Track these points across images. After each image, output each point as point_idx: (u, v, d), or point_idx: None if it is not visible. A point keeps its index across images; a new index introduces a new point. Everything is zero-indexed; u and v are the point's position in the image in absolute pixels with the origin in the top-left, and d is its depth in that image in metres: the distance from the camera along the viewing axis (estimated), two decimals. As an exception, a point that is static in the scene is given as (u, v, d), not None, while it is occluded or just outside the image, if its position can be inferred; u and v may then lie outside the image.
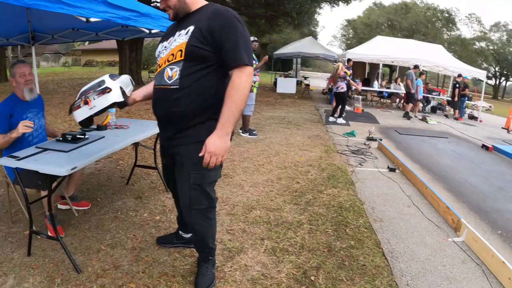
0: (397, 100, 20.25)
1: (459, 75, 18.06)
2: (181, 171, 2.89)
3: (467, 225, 4.64)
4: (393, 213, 5.36)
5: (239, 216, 4.80)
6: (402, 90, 19.07)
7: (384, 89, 19.88)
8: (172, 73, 2.67)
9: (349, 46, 54.77)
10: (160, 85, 2.77)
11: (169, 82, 2.68)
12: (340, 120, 12.59)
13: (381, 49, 18.76)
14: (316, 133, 10.59)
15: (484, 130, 15.69)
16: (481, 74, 19.59)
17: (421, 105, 18.69)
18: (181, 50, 2.61)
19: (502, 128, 17.48)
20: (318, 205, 5.38)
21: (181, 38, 2.65)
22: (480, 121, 18.92)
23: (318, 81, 36.75)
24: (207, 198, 2.92)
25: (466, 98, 19.24)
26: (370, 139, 10.14)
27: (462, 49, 53.59)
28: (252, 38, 9.26)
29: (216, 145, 2.51)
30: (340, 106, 12.75)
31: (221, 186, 5.84)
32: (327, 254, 4.04)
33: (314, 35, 59.98)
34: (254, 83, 9.20)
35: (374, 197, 5.91)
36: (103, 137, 4.21)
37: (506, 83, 72.83)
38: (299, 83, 25.42)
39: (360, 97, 17.39)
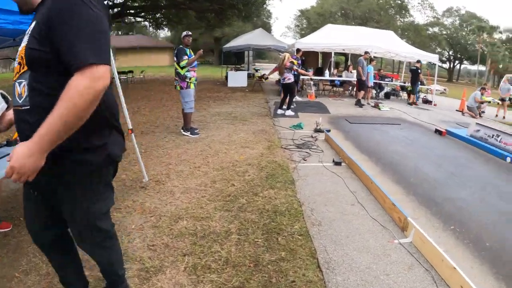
0: (350, 88, 19.96)
1: (418, 61, 17.96)
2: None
3: (414, 224, 4.10)
4: (335, 213, 4.78)
5: (164, 228, 4.25)
6: (354, 78, 18.64)
7: (336, 78, 19.42)
8: (21, 90, 1.97)
9: (302, 36, 54.16)
10: (14, 106, 2.06)
11: (20, 101, 1.98)
12: (289, 112, 12.02)
13: (331, 37, 18.31)
14: (262, 127, 9.98)
15: (439, 113, 15.51)
16: (433, 58, 19.48)
17: (374, 91, 18.41)
18: (22, 57, 1.93)
19: (457, 110, 17.55)
20: (251, 210, 4.77)
21: (24, 40, 1.95)
22: (435, 104, 18.84)
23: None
24: (98, 231, 2.40)
25: (419, 83, 18.99)
26: (317, 130, 9.64)
27: (415, 35, 54.22)
28: (184, 33, 8.58)
29: (22, 162, 1.75)
30: (288, 98, 12.15)
31: (150, 195, 5.23)
32: (253, 269, 3.48)
33: (267, 27, 59.70)
34: (190, 79, 8.56)
35: (315, 197, 5.32)
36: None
37: (460, 66, 74.51)
38: (251, 76, 24.82)
39: (312, 82, 16.94)
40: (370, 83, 16.11)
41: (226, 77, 22.40)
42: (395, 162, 7.39)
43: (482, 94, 15.85)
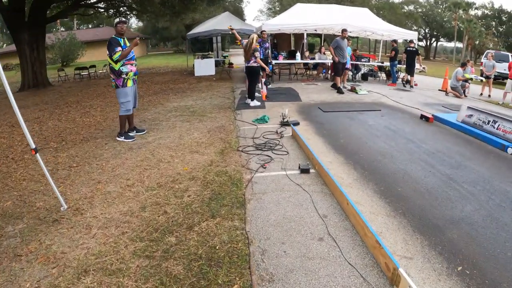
0: (324, 70, 18.50)
1: (395, 40, 17.14)
2: None
3: (408, 281, 2.72)
4: (294, 258, 3.39)
5: (62, 288, 2.86)
6: (327, 60, 17.39)
7: (308, 60, 17.93)
8: None
9: (278, 20, 52.88)
10: None
11: None
12: (254, 103, 10.62)
13: (302, 17, 16.74)
14: (220, 123, 8.55)
15: (421, 95, 14.29)
16: (413, 35, 18.03)
17: (350, 73, 17.02)
18: None
19: (439, 90, 16.42)
20: (179, 257, 3.40)
21: None
22: (416, 84, 17.46)
23: (242, 58, 33.86)
24: None
25: (396, 62, 17.68)
26: (284, 124, 8.24)
27: (391, 13, 53.05)
28: (117, 20, 7.11)
29: None
30: (249, 85, 10.79)
31: (62, 232, 3.96)
32: None
33: (239, 11, 57.88)
34: (127, 74, 7.10)
35: (270, 228, 3.91)
36: None
37: (436, 43, 73.93)
38: (220, 64, 23.24)
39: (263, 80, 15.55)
40: (347, 64, 14.68)
41: (194, 66, 20.79)
42: (378, 164, 6.04)
43: (463, 70, 14.58)
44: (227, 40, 49.18)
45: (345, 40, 13.60)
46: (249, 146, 6.75)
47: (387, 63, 18.36)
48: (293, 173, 5.41)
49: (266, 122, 8.57)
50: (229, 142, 6.97)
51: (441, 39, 69.73)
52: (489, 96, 15.59)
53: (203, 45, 33.67)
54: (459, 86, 14.47)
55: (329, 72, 17.82)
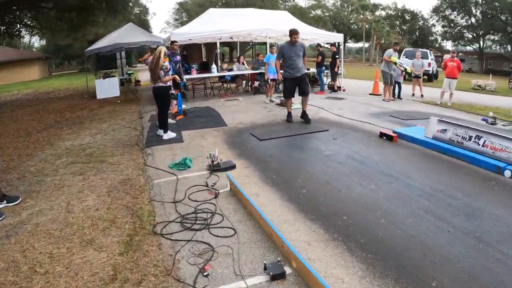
0: (243, 82, 16.51)
1: (332, 45, 16.35)
2: None
3: None
4: None
5: None
6: (246, 71, 15.68)
7: (226, 73, 15.67)
8: None
9: (184, 31, 50.68)
10: None
11: None
12: (168, 135, 8.25)
13: (215, 23, 14.49)
14: (126, 173, 6.10)
15: (358, 103, 12.94)
16: (339, 38, 17.01)
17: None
18: None
19: (370, 94, 15.74)
20: None
21: None
22: (344, 90, 16.51)
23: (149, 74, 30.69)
24: None
25: (324, 68, 16.17)
26: (215, 170, 6.01)
27: (301, 17, 52.66)
28: None
29: None
30: (158, 111, 8.38)
31: None
32: None
33: (145, 23, 54.71)
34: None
35: None
36: None
37: (344, 45, 75.26)
38: (125, 82, 20.50)
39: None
40: (270, 75, 12.73)
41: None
42: (375, 231, 3.96)
43: (394, 51, 13.52)
44: (134, 55, 45.76)
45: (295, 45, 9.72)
46: (171, 221, 4.35)
47: (313, 69, 17.13)
48: (258, 283, 3.14)
49: (189, 167, 6.25)
50: (140, 215, 4.53)
51: (349, 40, 70.95)
52: (422, 96, 15.12)
53: (108, 62, 30.34)
54: (390, 74, 13.38)
55: (249, 84, 16.13)
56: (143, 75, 26.28)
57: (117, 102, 15.04)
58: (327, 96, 14.69)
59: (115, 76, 19.18)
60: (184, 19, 56.87)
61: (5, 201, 5.06)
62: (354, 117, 10.01)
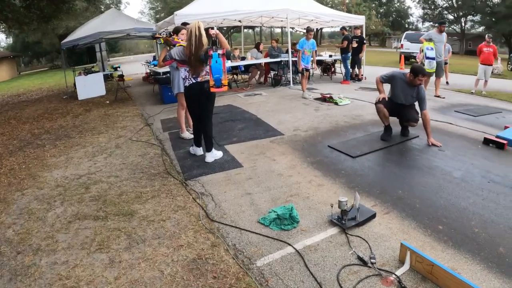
0: (258, 73, 13.90)
1: (357, 28, 14.05)
2: None
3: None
4: None
5: None
6: (262, 60, 13.17)
7: (239, 62, 12.86)
8: None
9: (158, 21, 47.41)
10: None
11: None
12: (213, 155, 5.54)
13: (222, 2, 11.70)
14: (187, 247, 3.35)
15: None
16: (361, 20, 14.79)
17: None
18: None
19: None
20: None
21: None
22: (365, 78, 14.52)
23: (132, 66, 27.48)
24: None
25: (350, 55, 13.92)
26: (349, 227, 3.51)
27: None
28: None
29: None
30: (204, 123, 5.49)
31: None
32: None
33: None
34: None
35: None
36: None
37: (321, 30, 73.98)
38: (109, 78, 17.65)
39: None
40: (303, 65, 10.26)
41: (76, 85, 14.48)
42: None
43: (441, 32, 10.76)
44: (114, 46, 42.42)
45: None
46: None
47: (335, 57, 15.12)
48: None
49: (298, 223, 3.64)
50: None
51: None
52: (447, 83, 14.00)
53: (80, 57, 27.23)
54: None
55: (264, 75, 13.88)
56: (126, 68, 23.18)
57: (105, 103, 12.08)
58: (358, 87, 12.48)
59: (98, 71, 16.17)
60: (159, 7, 53.66)
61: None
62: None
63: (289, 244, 3.30)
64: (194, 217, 3.85)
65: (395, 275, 2.85)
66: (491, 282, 2.84)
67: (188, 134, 6.69)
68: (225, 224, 3.69)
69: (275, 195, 4.28)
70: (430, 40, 10.22)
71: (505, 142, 6.05)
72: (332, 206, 3.63)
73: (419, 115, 6.15)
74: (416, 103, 6.25)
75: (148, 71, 16.78)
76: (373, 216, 3.71)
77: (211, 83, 4.97)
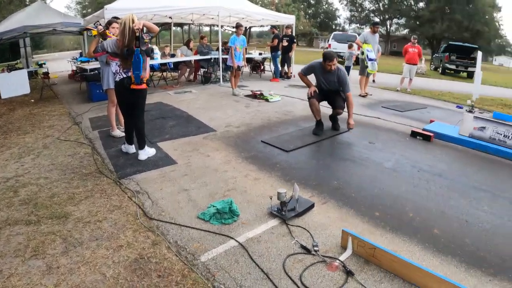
0: (188, 70, 13.61)
1: (287, 27, 14.33)
2: None
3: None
4: None
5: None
6: (192, 57, 13.10)
7: (169, 59, 12.72)
8: None
9: (84, 16, 45.48)
10: None
11: None
12: (146, 152, 5.47)
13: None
14: (127, 247, 3.29)
15: None
16: (291, 19, 15.22)
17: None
18: None
19: None
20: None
21: None
22: (294, 76, 14.71)
23: (58, 64, 24.81)
24: None
25: (280, 53, 14.27)
26: (289, 217, 3.68)
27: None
28: None
29: None
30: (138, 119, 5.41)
31: None
32: None
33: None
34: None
35: None
36: None
37: (250, 30, 75.07)
38: (33, 74, 16.72)
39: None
40: (237, 62, 10.26)
41: (-2, 83, 13.64)
42: None
43: (374, 33, 11.17)
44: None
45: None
46: None
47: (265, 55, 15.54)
48: None
49: (238, 216, 3.72)
50: None
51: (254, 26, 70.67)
52: (374, 81, 14.83)
53: (2, 53, 25.72)
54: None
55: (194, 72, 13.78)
56: (51, 65, 22.20)
57: (30, 102, 11.54)
58: (288, 84, 12.91)
59: (22, 68, 15.40)
60: (87, 2, 51.52)
61: None
62: (356, 110, 8.32)
63: (232, 238, 3.36)
64: (131, 216, 3.77)
65: (339, 260, 3.01)
66: (430, 260, 3.12)
67: (119, 132, 6.53)
68: (164, 221, 3.67)
69: (212, 190, 4.32)
70: (366, 41, 10.65)
71: (431, 134, 6.72)
72: (271, 198, 3.75)
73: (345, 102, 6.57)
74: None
75: (75, 68, 16.15)
76: (312, 206, 3.89)
77: (132, 79, 4.92)
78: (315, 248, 3.16)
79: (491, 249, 3.31)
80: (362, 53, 10.70)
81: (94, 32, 5.72)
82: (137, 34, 4.67)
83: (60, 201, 4.17)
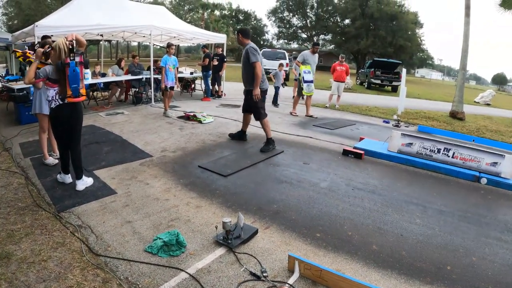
0: (118, 90, 13.34)
1: (218, 46, 14.68)
2: None
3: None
4: None
5: None
6: (123, 77, 12.89)
7: (99, 79, 12.37)
8: None
9: (10, 28, 43.06)
10: None
11: None
12: (84, 182, 5.37)
13: (89, 16, 11.11)
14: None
15: (273, 112, 11.58)
16: (223, 38, 15.51)
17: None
18: None
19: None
20: None
21: None
22: (225, 94, 15.39)
23: None
24: None
25: (210, 72, 14.32)
26: (236, 245, 3.87)
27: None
28: None
29: None
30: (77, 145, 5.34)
31: None
32: None
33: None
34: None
35: None
36: None
37: (178, 45, 75.86)
38: None
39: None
40: (168, 82, 10.30)
41: None
42: None
43: (313, 53, 11.31)
44: None
45: None
46: None
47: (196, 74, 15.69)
48: None
49: (185, 246, 3.80)
50: None
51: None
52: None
53: None
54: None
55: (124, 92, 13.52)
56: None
57: None
58: (219, 103, 13.21)
59: None
60: (13, 14, 48.46)
61: None
62: (284, 129, 9.15)
63: (182, 270, 3.42)
64: (76, 253, 3.71)
65: (289, 284, 3.20)
66: (372, 276, 3.45)
67: (52, 160, 6.32)
68: (111, 257, 3.64)
69: (156, 221, 4.37)
70: (304, 62, 10.88)
71: (362, 152, 7.27)
72: (216, 228, 3.93)
73: None
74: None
75: (0, 85, 15.25)
76: (256, 232, 4.07)
77: (69, 93, 4.83)
78: (264, 274, 3.34)
79: (426, 259, 3.72)
80: (299, 74, 11.02)
81: (18, 54, 5.62)
82: (70, 46, 4.67)
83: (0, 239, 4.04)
